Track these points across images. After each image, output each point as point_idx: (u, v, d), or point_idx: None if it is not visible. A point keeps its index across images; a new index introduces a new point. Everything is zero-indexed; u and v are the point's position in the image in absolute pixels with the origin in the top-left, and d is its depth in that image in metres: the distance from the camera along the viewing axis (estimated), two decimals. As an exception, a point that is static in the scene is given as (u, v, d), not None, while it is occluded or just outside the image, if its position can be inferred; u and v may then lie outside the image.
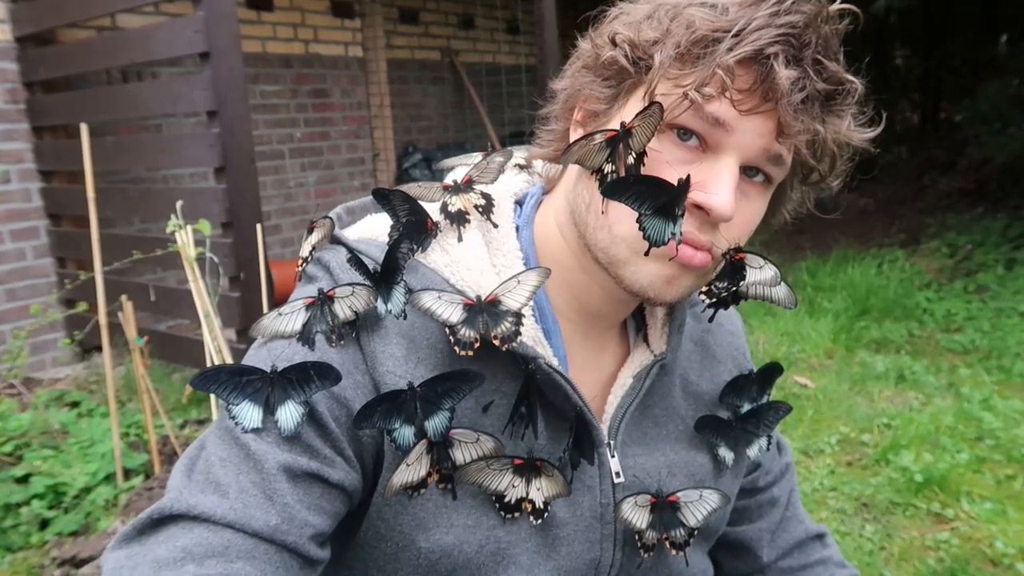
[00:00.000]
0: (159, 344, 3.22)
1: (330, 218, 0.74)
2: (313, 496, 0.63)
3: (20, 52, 3.46)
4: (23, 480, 2.32)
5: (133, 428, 2.71)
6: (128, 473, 2.42)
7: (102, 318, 2.31)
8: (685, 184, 0.62)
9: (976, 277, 4.54)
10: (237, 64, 2.87)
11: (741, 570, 0.95)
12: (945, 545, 2.06)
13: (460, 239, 0.71)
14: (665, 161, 0.64)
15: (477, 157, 0.81)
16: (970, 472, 2.41)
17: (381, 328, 0.67)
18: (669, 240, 0.63)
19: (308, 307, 0.67)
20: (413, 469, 0.66)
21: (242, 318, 2.98)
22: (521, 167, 0.84)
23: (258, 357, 0.67)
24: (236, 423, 0.63)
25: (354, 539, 0.71)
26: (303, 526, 0.61)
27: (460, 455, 0.68)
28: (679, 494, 0.76)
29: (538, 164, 0.82)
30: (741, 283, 0.69)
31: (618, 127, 0.65)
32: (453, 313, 0.66)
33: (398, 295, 0.67)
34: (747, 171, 0.65)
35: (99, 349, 2.37)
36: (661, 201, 0.62)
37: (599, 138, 0.65)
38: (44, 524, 2.20)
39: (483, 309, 0.66)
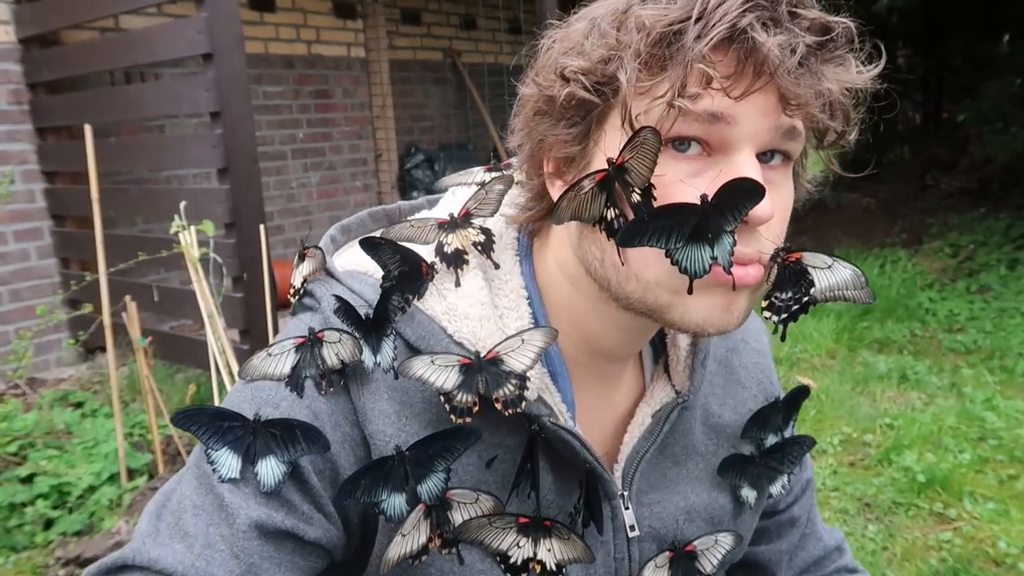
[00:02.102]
0: (162, 344, 3.23)
1: (320, 249, 0.69)
2: (284, 552, 0.60)
3: (24, 53, 3.47)
4: (28, 480, 2.32)
5: (137, 428, 2.72)
6: (132, 473, 2.43)
7: (106, 319, 2.32)
8: (720, 198, 0.54)
9: (979, 277, 4.53)
10: (240, 65, 2.88)
11: None
12: (948, 545, 2.06)
13: (458, 283, 0.65)
14: (674, 182, 0.56)
15: (478, 172, 0.76)
16: (973, 472, 2.41)
17: (371, 382, 0.63)
18: (711, 266, 0.55)
19: (298, 348, 0.63)
20: (410, 538, 0.63)
21: (245, 319, 2.98)
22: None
23: (242, 397, 0.63)
24: (214, 470, 0.60)
25: None
26: None
27: (460, 517, 0.64)
28: (696, 542, 0.73)
29: None
30: (812, 290, 0.59)
31: (605, 165, 0.57)
32: (448, 379, 0.61)
33: (387, 349, 0.62)
34: (762, 157, 0.57)
35: (103, 350, 2.37)
36: (689, 228, 0.54)
37: (588, 184, 0.57)
38: (48, 524, 2.21)
39: (482, 368, 0.61)
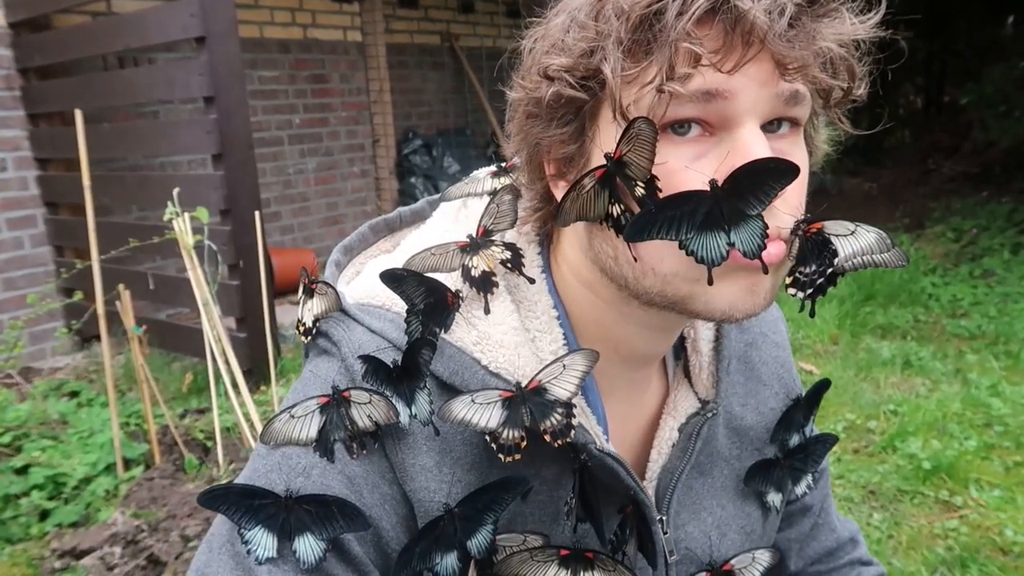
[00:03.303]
0: (158, 333, 3.20)
1: (332, 287, 0.65)
2: None
3: (14, 38, 3.42)
4: (22, 471, 2.30)
5: (133, 418, 2.69)
6: (128, 463, 2.40)
7: (100, 307, 2.28)
8: (736, 182, 0.51)
9: (982, 262, 4.50)
10: (234, 49, 2.83)
11: None
12: (954, 533, 2.04)
13: (487, 310, 0.62)
14: (678, 169, 0.53)
15: (484, 179, 0.71)
16: (978, 459, 2.39)
17: (407, 436, 0.60)
18: (729, 251, 0.52)
19: (323, 408, 0.59)
20: None
21: (242, 306, 2.96)
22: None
23: (269, 466, 0.59)
24: (248, 551, 0.57)
25: None
26: None
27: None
28: (733, 561, 0.71)
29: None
30: (836, 259, 0.56)
31: (603, 161, 0.54)
32: (492, 417, 0.58)
33: (423, 401, 0.59)
34: (768, 127, 0.54)
35: (98, 338, 2.34)
36: (700, 215, 0.52)
37: (588, 182, 0.55)
38: (44, 515, 2.18)
39: (526, 399, 0.58)
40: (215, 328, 2.30)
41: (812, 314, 0.57)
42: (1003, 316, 3.70)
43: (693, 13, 0.49)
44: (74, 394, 2.98)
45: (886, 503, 2.21)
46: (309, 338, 0.65)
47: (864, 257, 0.57)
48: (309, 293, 0.65)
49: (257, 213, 2.50)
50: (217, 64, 2.76)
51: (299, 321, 0.67)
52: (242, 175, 2.90)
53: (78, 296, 2.64)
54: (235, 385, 2.31)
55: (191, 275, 2.26)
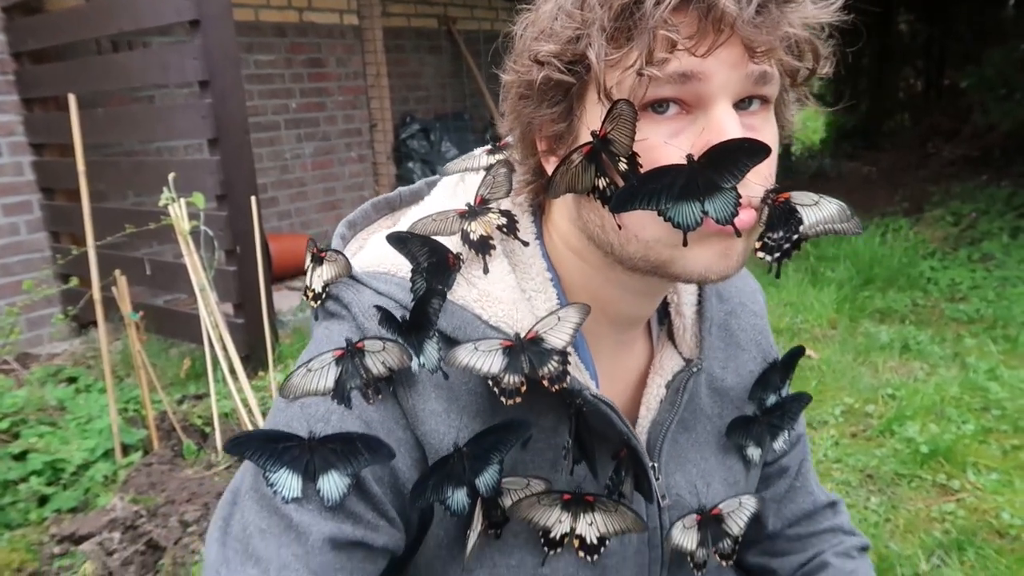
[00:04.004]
0: (156, 319, 3.19)
1: (343, 254, 0.69)
2: (355, 561, 0.61)
3: (7, 22, 3.39)
4: (21, 457, 2.30)
5: (131, 403, 2.69)
6: (126, 449, 2.40)
7: (96, 293, 2.27)
8: (712, 158, 0.56)
9: (981, 246, 4.50)
10: (229, 33, 2.81)
11: (749, 537, 0.90)
12: (951, 517, 2.04)
13: (486, 270, 0.67)
14: (658, 144, 0.58)
15: (480, 156, 0.76)
16: (976, 443, 2.39)
17: (416, 383, 0.64)
18: (703, 219, 0.57)
19: (338, 360, 0.63)
20: (474, 533, 0.66)
21: (239, 292, 2.94)
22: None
23: (290, 416, 0.63)
24: (275, 492, 0.60)
25: None
26: None
27: (510, 502, 0.67)
28: (721, 506, 0.76)
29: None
30: (800, 227, 0.61)
31: (590, 139, 0.59)
32: (493, 363, 0.62)
33: (431, 350, 0.63)
34: (740, 105, 0.59)
35: (96, 324, 2.33)
36: (677, 187, 0.57)
37: (577, 158, 0.60)
38: (43, 501, 2.19)
39: (524, 348, 0.63)
40: (212, 314, 2.29)
41: (777, 275, 0.63)
42: (1001, 300, 3.70)
43: (669, 2, 0.53)
44: (72, 380, 2.97)
45: (884, 487, 2.22)
46: (318, 303, 0.69)
47: (826, 225, 0.63)
48: (319, 261, 0.69)
49: (254, 198, 2.49)
50: (212, 48, 2.74)
51: (307, 287, 0.70)
52: (238, 160, 2.88)
53: (74, 282, 2.63)
54: (233, 371, 2.31)
55: (187, 261, 2.25)
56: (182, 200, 2.20)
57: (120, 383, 2.88)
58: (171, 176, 2.18)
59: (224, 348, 2.30)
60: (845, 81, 8.93)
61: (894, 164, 7.36)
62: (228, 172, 2.84)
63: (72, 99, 2.22)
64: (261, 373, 2.92)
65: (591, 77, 0.58)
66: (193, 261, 2.25)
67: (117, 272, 2.28)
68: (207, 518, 2.06)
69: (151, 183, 2.95)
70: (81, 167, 2.23)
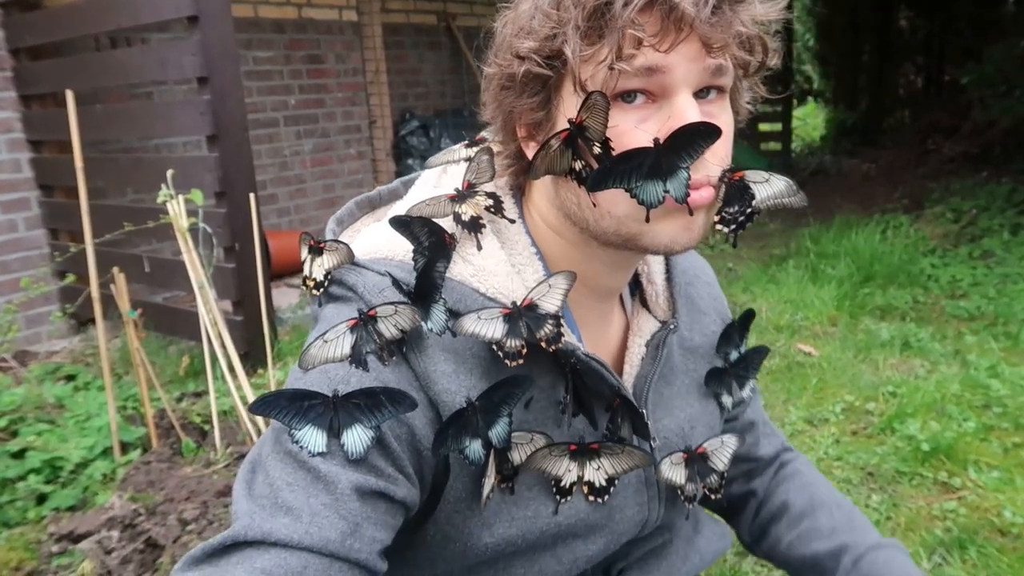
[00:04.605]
0: (155, 316, 3.18)
1: (344, 244, 0.74)
2: (379, 512, 0.65)
3: (5, 18, 3.38)
4: (19, 455, 2.29)
5: (130, 401, 2.68)
6: (125, 447, 2.39)
7: (94, 291, 2.26)
8: (674, 141, 0.64)
9: (981, 242, 4.49)
10: (228, 29, 2.79)
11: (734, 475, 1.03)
12: (952, 515, 2.04)
13: (479, 247, 0.73)
14: (628, 130, 0.65)
15: (460, 149, 0.83)
16: (977, 440, 2.39)
17: (425, 347, 0.69)
18: (665, 197, 0.64)
19: (352, 329, 0.67)
20: (489, 480, 0.71)
21: (238, 289, 2.94)
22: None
23: (310, 381, 0.67)
24: (301, 447, 0.63)
25: (418, 541, 0.75)
26: (372, 542, 0.64)
27: (518, 456, 0.73)
28: (705, 445, 0.85)
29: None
30: (753, 201, 0.70)
31: (567, 126, 0.66)
32: (496, 329, 0.69)
33: (438, 314, 0.68)
34: (699, 94, 0.66)
35: (95, 322, 2.32)
36: (645, 167, 0.64)
37: (555, 143, 0.66)
38: (41, 499, 2.18)
39: (521, 314, 0.70)
40: (211, 311, 2.29)
41: (734, 244, 0.72)
42: (1002, 297, 3.69)
43: (636, 5, 0.61)
44: (70, 378, 2.96)
45: (884, 484, 2.21)
46: (321, 291, 0.74)
47: (776, 200, 0.71)
48: (318, 252, 0.73)
49: (252, 195, 2.48)
50: (210, 44, 2.73)
51: (307, 277, 0.74)
52: (237, 157, 2.87)
53: (70, 279, 2.62)
54: (232, 368, 2.30)
55: (186, 258, 2.24)
56: (180, 197, 2.19)
57: (119, 381, 2.88)
58: (169, 173, 2.17)
59: (223, 345, 2.30)
60: (845, 78, 8.92)
61: (894, 161, 7.36)
62: (227, 169, 2.83)
63: (70, 95, 2.21)
64: (260, 371, 2.91)
65: (567, 71, 0.65)
66: (192, 258, 2.25)
67: (115, 269, 2.27)
68: (206, 516, 2.06)
69: (150, 180, 2.94)
70: (79, 164, 2.22)
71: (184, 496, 2.12)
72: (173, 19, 2.87)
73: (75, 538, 2.00)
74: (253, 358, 2.90)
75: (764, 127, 8.05)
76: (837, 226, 4.86)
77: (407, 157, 5.43)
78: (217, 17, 2.74)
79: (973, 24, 7.41)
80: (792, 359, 3.11)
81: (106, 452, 2.36)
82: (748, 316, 0.95)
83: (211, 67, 2.74)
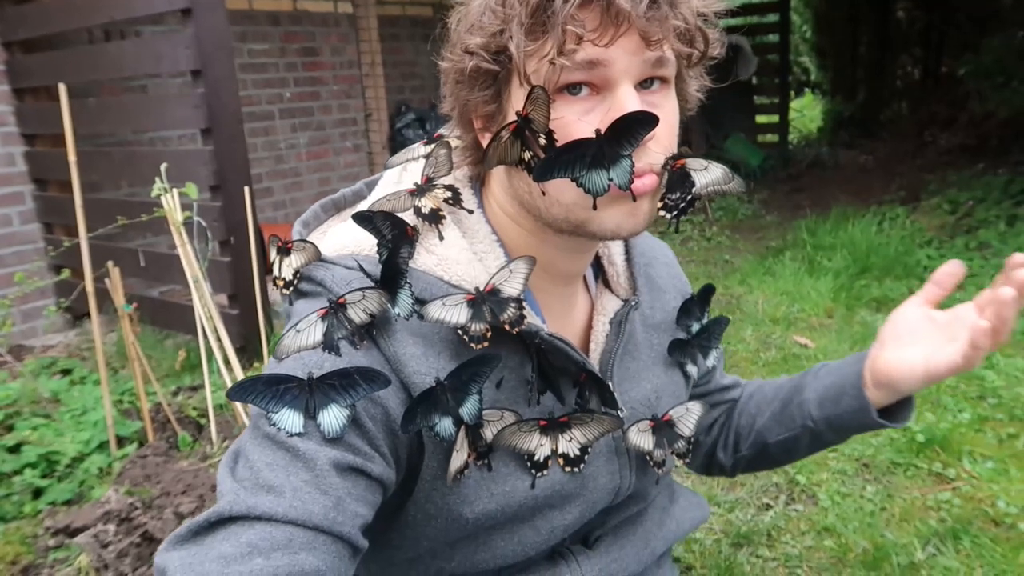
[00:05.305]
0: (151, 310, 3.18)
1: (311, 243, 0.77)
2: (360, 488, 0.66)
3: (-3, 11, 3.35)
4: (15, 449, 2.29)
5: (126, 395, 2.68)
6: (122, 441, 2.39)
7: (89, 285, 2.26)
8: (614, 130, 0.66)
9: (977, 234, 4.49)
10: (221, 21, 2.78)
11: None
12: (947, 505, 2.04)
13: (441, 238, 0.76)
14: (572, 121, 0.68)
15: (418, 147, 0.86)
16: (972, 431, 2.39)
17: (394, 332, 0.72)
18: (610, 185, 0.67)
19: (323, 318, 0.70)
20: (460, 454, 0.73)
21: (233, 283, 2.93)
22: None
23: (286, 368, 0.69)
24: (278, 429, 0.65)
25: (400, 522, 0.78)
26: (354, 517, 0.65)
27: (490, 434, 0.75)
28: (671, 412, 0.89)
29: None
30: (694, 188, 0.73)
31: (515, 118, 0.68)
32: (460, 314, 0.71)
33: (404, 298, 0.71)
34: (642, 85, 0.69)
35: (90, 316, 2.32)
36: (589, 158, 0.67)
37: (505, 135, 0.69)
38: (37, 493, 2.18)
39: (485, 299, 0.72)
40: (206, 305, 2.28)
41: (677, 230, 0.76)
42: (998, 288, 3.69)
43: (575, 0, 0.63)
44: (66, 372, 2.96)
45: (879, 475, 2.22)
46: (290, 289, 0.76)
47: (715, 187, 0.74)
48: (286, 252, 0.76)
49: (247, 188, 2.48)
50: (204, 37, 2.72)
51: (276, 277, 0.77)
52: (231, 150, 2.86)
53: (65, 274, 2.61)
54: (227, 362, 2.30)
55: (180, 252, 2.24)
56: (175, 191, 2.19)
57: (115, 375, 2.87)
58: (163, 167, 2.16)
59: (219, 339, 2.29)
60: (844, 69, 8.91)
61: (891, 153, 7.35)
62: (221, 162, 2.82)
63: (62, 89, 2.20)
64: (256, 364, 2.91)
65: (514, 65, 0.67)
66: (186, 252, 2.24)
67: (110, 263, 2.26)
68: (202, 510, 2.06)
69: (144, 173, 2.93)
70: (72, 157, 2.21)
71: (180, 490, 2.12)
72: (167, 12, 2.85)
73: (71, 532, 2.00)
74: (249, 352, 2.90)
75: (761, 119, 8.03)
76: (834, 218, 4.86)
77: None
78: (211, 9, 2.73)
79: (971, 15, 7.39)
80: (788, 351, 3.11)
81: (102, 446, 2.36)
82: (707, 290, 0.99)
83: (205, 60, 2.73)
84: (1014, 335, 3.12)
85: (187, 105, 2.85)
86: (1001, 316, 0.74)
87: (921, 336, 0.84)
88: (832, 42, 9.38)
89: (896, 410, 0.92)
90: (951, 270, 0.77)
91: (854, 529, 1.96)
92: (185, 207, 2.23)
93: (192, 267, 2.24)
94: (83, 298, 2.34)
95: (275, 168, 4.74)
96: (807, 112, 10.56)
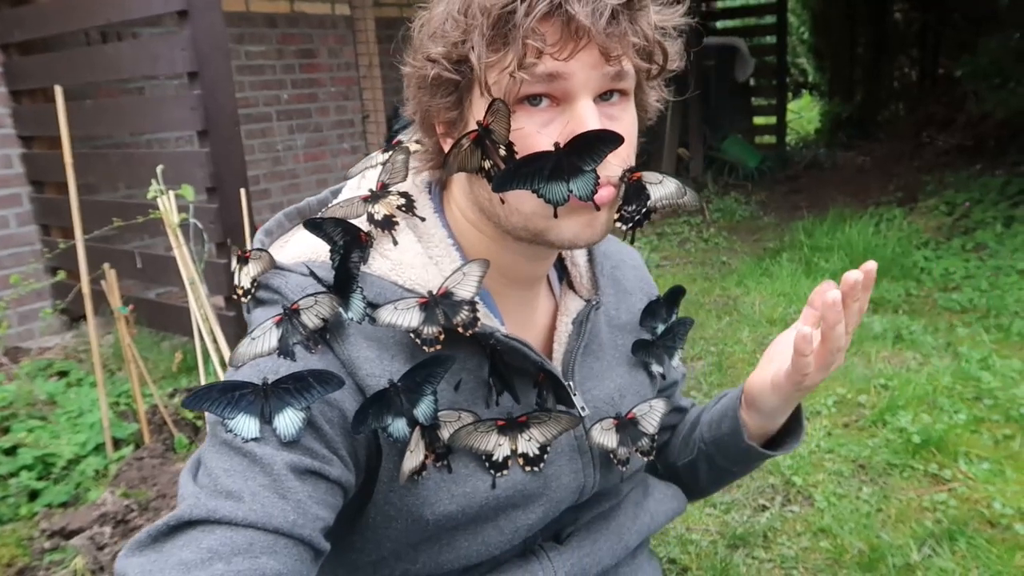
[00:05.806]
0: (147, 312, 3.18)
1: (266, 251, 0.78)
2: (320, 492, 0.66)
3: (-6, 13, 3.35)
4: (11, 452, 2.29)
5: (123, 397, 2.68)
6: (118, 443, 2.39)
7: (85, 287, 2.26)
8: (574, 145, 0.67)
9: (974, 235, 4.50)
10: (218, 23, 2.78)
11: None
12: (943, 506, 2.05)
13: (395, 243, 0.77)
14: (532, 133, 0.68)
15: (377, 155, 0.87)
16: (968, 432, 2.40)
17: (348, 336, 0.72)
18: (569, 196, 0.68)
19: (278, 324, 0.70)
20: (415, 455, 0.73)
21: (229, 285, 2.93)
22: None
23: (242, 375, 0.69)
24: (234, 435, 0.65)
25: (361, 525, 0.77)
26: (315, 520, 0.65)
27: (447, 434, 0.75)
28: (634, 410, 0.89)
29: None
30: (649, 201, 0.74)
31: (476, 127, 0.69)
32: (412, 318, 0.72)
33: (357, 303, 0.71)
34: (602, 97, 0.70)
35: (87, 318, 2.32)
36: (547, 170, 0.68)
37: (465, 143, 0.70)
38: (33, 495, 2.18)
39: (438, 302, 0.73)
40: (203, 307, 2.28)
41: (632, 241, 0.78)
42: (994, 289, 3.70)
43: (535, 14, 0.64)
44: (63, 374, 2.96)
45: (876, 477, 2.22)
46: (249, 297, 0.77)
47: (669, 200, 0.76)
48: (244, 261, 0.77)
49: (244, 190, 2.47)
50: (200, 38, 2.71)
51: (236, 286, 0.77)
52: (228, 152, 2.86)
53: (62, 275, 2.61)
54: (224, 364, 2.29)
55: (176, 254, 2.24)
56: (171, 192, 2.19)
57: (111, 377, 2.87)
58: (159, 168, 2.16)
59: (215, 341, 2.29)
60: (841, 71, 8.92)
61: (888, 154, 7.36)
62: (218, 164, 2.82)
63: (59, 91, 2.20)
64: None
65: (474, 76, 0.67)
66: (183, 254, 2.24)
67: (106, 266, 2.26)
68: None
69: (141, 175, 2.93)
70: (68, 159, 2.21)
71: (176, 492, 2.12)
72: (163, 13, 2.85)
73: (67, 534, 2.00)
74: (246, 353, 2.90)
75: (759, 120, 8.04)
76: (831, 219, 4.87)
77: (401, 151, 5.42)
78: (207, 11, 2.72)
79: (968, 16, 7.40)
80: (785, 352, 3.11)
81: (98, 448, 2.36)
82: (676, 291, 1.00)
83: (202, 62, 2.73)
84: (1010, 337, 3.13)
85: (184, 107, 2.85)
86: (827, 320, 0.75)
87: (782, 355, 0.85)
88: (829, 43, 9.39)
89: (783, 439, 0.94)
90: (825, 290, 0.76)
91: (850, 530, 1.96)
92: (182, 209, 2.23)
93: (188, 269, 2.24)
94: (79, 300, 2.34)
95: (272, 170, 4.74)
96: (805, 113, 10.57)
